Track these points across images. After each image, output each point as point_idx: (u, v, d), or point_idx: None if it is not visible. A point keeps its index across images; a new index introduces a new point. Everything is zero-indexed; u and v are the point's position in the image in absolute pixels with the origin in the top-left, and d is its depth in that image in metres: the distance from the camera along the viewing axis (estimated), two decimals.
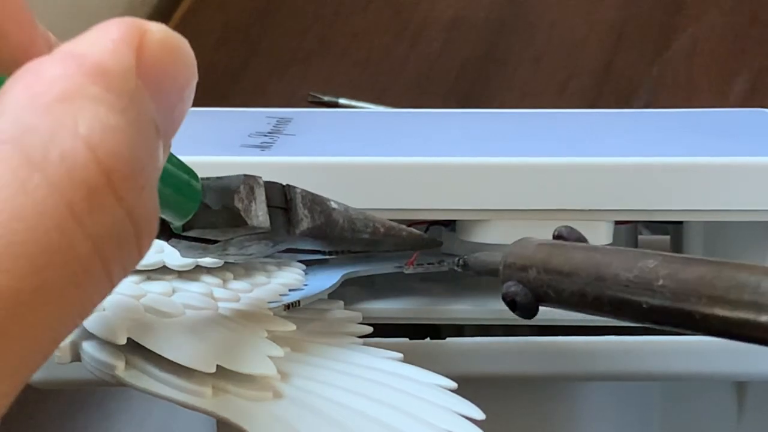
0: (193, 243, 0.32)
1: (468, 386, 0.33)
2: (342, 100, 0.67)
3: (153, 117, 0.21)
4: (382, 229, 0.35)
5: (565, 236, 0.32)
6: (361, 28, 0.75)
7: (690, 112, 0.48)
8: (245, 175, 0.32)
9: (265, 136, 0.43)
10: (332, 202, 0.34)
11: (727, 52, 0.71)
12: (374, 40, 0.74)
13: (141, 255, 0.21)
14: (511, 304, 0.31)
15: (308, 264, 0.41)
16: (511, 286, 0.31)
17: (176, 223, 0.31)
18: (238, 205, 0.31)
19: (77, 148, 0.19)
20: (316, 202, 0.34)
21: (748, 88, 0.68)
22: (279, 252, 0.35)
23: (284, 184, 0.33)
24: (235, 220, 0.31)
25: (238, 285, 0.37)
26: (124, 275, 0.21)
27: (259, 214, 0.31)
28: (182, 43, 0.22)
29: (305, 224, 0.33)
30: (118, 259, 0.20)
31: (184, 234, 0.31)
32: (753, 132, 0.44)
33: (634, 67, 0.70)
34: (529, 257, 0.31)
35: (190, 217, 0.30)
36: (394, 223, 0.36)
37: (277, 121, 0.46)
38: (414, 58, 0.73)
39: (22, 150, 0.19)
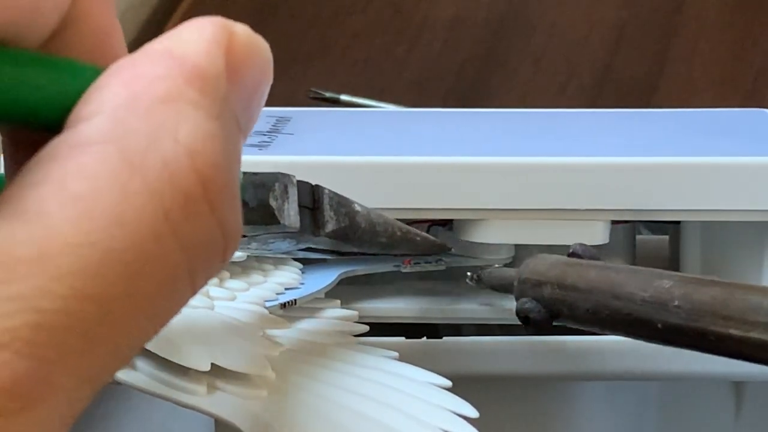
0: None
1: (466, 385, 0.33)
2: (343, 97, 0.67)
3: (238, 120, 0.20)
4: (399, 233, 0.35)
5: (580, 254, 0.33)
6: (361, 28, 0.75)
7: (690, 112, 0.48)
8: (280, 173, 0.32)
9: (264, 135, 0.43)
10: (356, 205, 0.34)
11: (727, 52, 0.71)
12: (374, 40, 0.74)
13: (224, 265, 0.20)
14: (525, 320, 0.32)
15: (305, 263, 0.41)
16: (526, 303, 0.32)
17: None
18: (273, 203, 0.31)
19: (178, 154, 0.19)
20: (341, 203, 0.34)
21: (748, 88, 0.68)
22: (299, 250, 0.35)
23: (313, 183, 0.33)
24: (268, 218, 0.31)
25: (234, 284, 0.37)
26: (205, 284, 0.20)
27: (291, 214, 0.31)
28: (263, 45, 0.22)
29: (331, 225, 0.33)
30: (203, 269, 0.20)
31: None
32: (753, 132, 0.44)
33: (634, 67, 0.70)
34: (544, 274, 0.31)
35: None
36: (411, 228, 0.36)
37: (276, 120, 0.46)
38: (414, 58, 0.73)
39: (123, 153, 0.18)
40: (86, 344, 0.18)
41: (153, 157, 0.18)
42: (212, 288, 0.36)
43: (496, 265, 0.43)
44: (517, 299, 0.32)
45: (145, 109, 0.19)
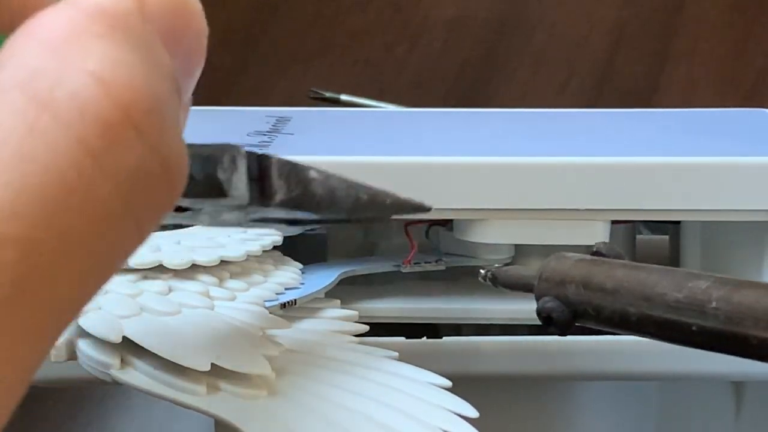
0: None
1: (466, 385, 0.33)
2: (343, 97, 0.67)
3: (167, 63, 0.20)
4: (365, 197, 0.34)
5: (604, 253, 0.31)
6: (361, 28, 0.75)
7: (690, 112, 0.48)
8: (228, 144, 0.31)
9: (264, 135, 0.43)
10: (312, 171, 0.33)
11: (727, 52, 0.71)
12: (374, 40, 0.74)
13: (172, 202, 0.19)
14: (547, 320, 0.30)
15: (305, 263, 0.41)
16: (548, 302, 0.30)
17: None
18: (221, 175, 0.30)
19: (88, 84, 0.18)
20: (294, 171, 0.33)
21: (748, 88, 0.68)
22: (253, 221, 0.34)
23: (262, 153, 0.32)
24: (216, 191, 0.30)
25: (234, 284, 0.37)
26: (155, 225, 0.19)
27: (240, 186, 0.31)
28: None
29: (280, 195, 0.32)
30: (144, 204, 0.19)
31: None
32: (753, 132, 0.44)
33: (634, 67, 0.70)
34: (567, 272, 0.30)
35: None
36: (381, 190, 0.35)
37: (276, 120, 0.46)
38: (414, 58, 0.73)
39: (29, 93, 0.18)
40: (16, 296, 0.17)
41: (61, 91, 0.18)
42: (212, 288, 0.36)
43: (496, 266, 0.43)
44: (537, 299, 0.31)
45: (50, 50, 0.18)
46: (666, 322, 0.27)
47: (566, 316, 0.30)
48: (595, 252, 0.32)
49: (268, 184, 0.32)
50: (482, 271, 0.35)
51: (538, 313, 0.31)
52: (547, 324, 0.31)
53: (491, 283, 0.34)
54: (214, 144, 0.30)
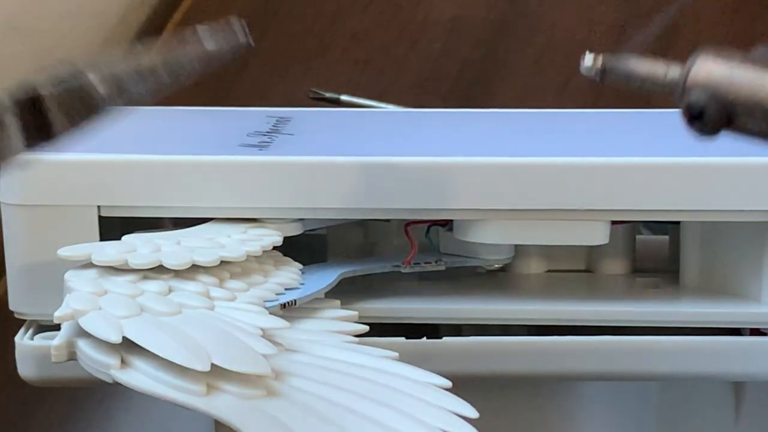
0: None
1: (466, 385, 0.33)
2: (343, 97, 0.67)
3: None
4: (166, 77, 0.31)
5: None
6: (361, 28, 0.75)
7: None
8: None
9: (264, 135, 0.43)
10: (91, 75, 0.30)
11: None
12: (374, 40, 0.74)
13: None
14: (698, 115, 0.27)
15: (305, 263, 0.41)
16: (701, 94, 0.27)
17: None
18: None
19: None
20: (73, 96, 0.30)
21: None
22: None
23: (33, 95, 0.29)
24: None
25: (234, 284, 0.37)
26: None
27: (18, 146, 0.29)
28: None
29: (60, 128, 0.30)
30: None
31: None
32: None
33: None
34: (728, 75, 0.27)
35: None
36: (179, 55, 0.32)
37: (276, 120, 0.46)
38: (414, 58, 0.73)
39: None
40: None
41: None
42: (212, 288, 0.36)
43: (496, 266, 0.43)
44: (683, 92, 0.27)
45: None
46: None
47: (720, 116, 0.27)
48: (763, 56, 0.28)
49: (49, 125, 0.29)
50: (589, 55, 0.30)
51: (687, 107, 0.27)
52: (696, 118, 0.27)
53: (599, 77, 0.30)
54: None
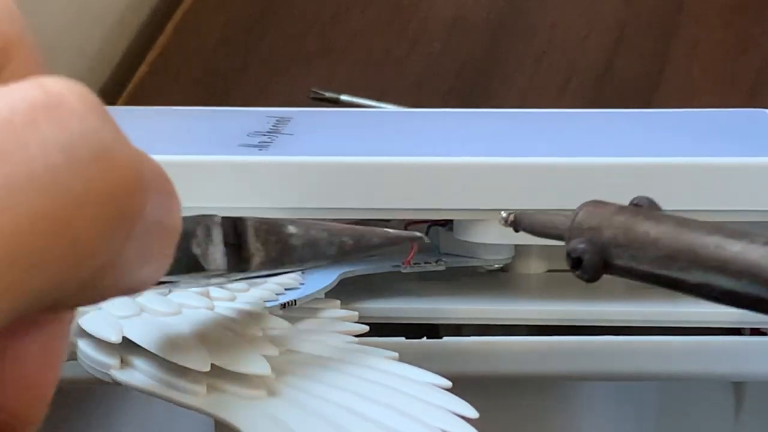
0: None
1: (466, 385, 0.33)
2: (343, 97, 0.67)
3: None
4: (350, 242, 0.34)
5: (645, 207, 0.30)
6: (361, 28, 0.75)
7: (690, 112, 0.48)
8: (201, 216, 0.31)
9: (264, 135, 0.43)
10: (290, 227, 0.33)
11: (727, 52, 0.71)
12: (374, 40, 0.74)
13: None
14: (576, 262, 0.29)
15: None
16: (580, 243, 0.29)
17: None
18: (196, 250, 0.30)
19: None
20: (270, 231, 0.33)
21: (748, 88, 0.68)
22: (235, 280, 0.35)
23: (236, 217, 0.32)
24: (193, 267, 0.30)
25: (234, 284, 0.37)
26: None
27: (217, 257, 0.31)
28: None
29: (258, 259, 0.32)
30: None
31: None
32: (753, 132, 0.44)
33: (634, 67, 0.70)
34: (606, 218, 0.29)
35: None
36: (366, 231, 0.35)
37: (276, 120, 0.46)
38: (414, 58, 0.73)
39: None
40: None
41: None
42: (212, 288, 0.36)
43: (496, 266, 0.43)
44: (567, 241, 0.29)
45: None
46: (713, 277, 0.26)
47: (597, 260, 0.29)
48: (635, 204, 0.30)
49: (246, 249, 0.31)
50: (503, 214, 0.33)
51: (568, 254, 0.29)
52: (575, 267, 0.29)
53: (512, 228, 0.33)
54: (187, 217, 0.30)
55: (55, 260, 0.19)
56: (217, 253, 0.30)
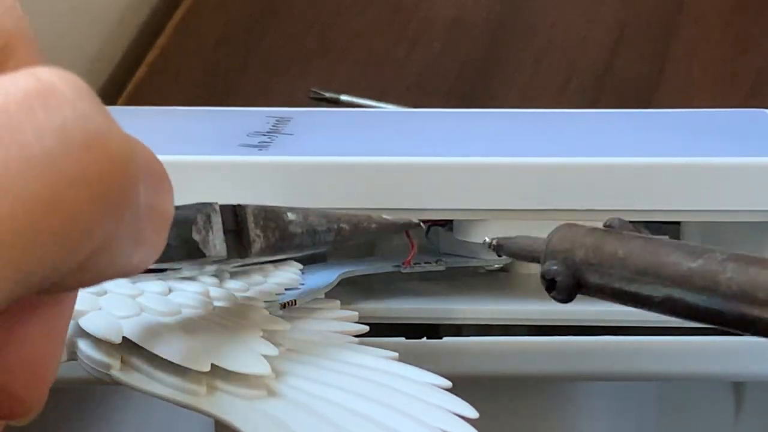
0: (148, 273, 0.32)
1: (466, 385, 0.33)
2: (343, 97, 0.67)
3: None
4: (347, 228, 0.34)
5: (616, 227, 0.31)
6: (361, 28, 0.75)
7: (690, 112, 0.48)
8: (201, 204, 0.31)
9: (264, 135, 0.43)
10: (289, 213, 0.33)
11: (727, 52, 0.71)
12: (374, 40, 0.74)
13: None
14: (551, 283, 0.30)
15: (305, 263, 0.41)
16: (554, 265, 0.30)
17: None
18: (196, 237, 0.30)
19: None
20: (269, 218, 0.33)
21: (748, 88, 0.68)
22: (235, 267, 0.35)
23: (235, 204, 0.33)
24: (193, 253, 0.31)
25: (234, 284, 0.37)
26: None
27: (217, 244, 0.31)
28: None
29: (258, 245, 0.32)
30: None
31: None
32: (753, 132, 0.44)
33: (634, 67, 0.70)
34: (578, 239, 0.30)
35: None
36: (364, 216, 0.35)
37: (276, 120, 0.46)
38: (414, 58, 0.73)
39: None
40: None
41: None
42: (212, 288, 0.36)
43: (496, 266, 0.43)
44: (542, 263, 0.31)
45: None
46: (676, 292, 0.27)
47: (570, 281, 0.30)
48: (607, 225, 0.31)
49: (245, 235, 0.32)
50: (487, 239, 0.34)
51: (542, 276, 0.30)
52: (550, 288, 0.30)
53: (495, 252, 0.34)
54: (186, 205, 0.30)
55: (51, 242, 0.19)
56: (216, 240, 0.31)
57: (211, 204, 0.31)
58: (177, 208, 0.30)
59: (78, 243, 0.20)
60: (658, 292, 0.28)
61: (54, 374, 0.23)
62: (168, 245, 0.29)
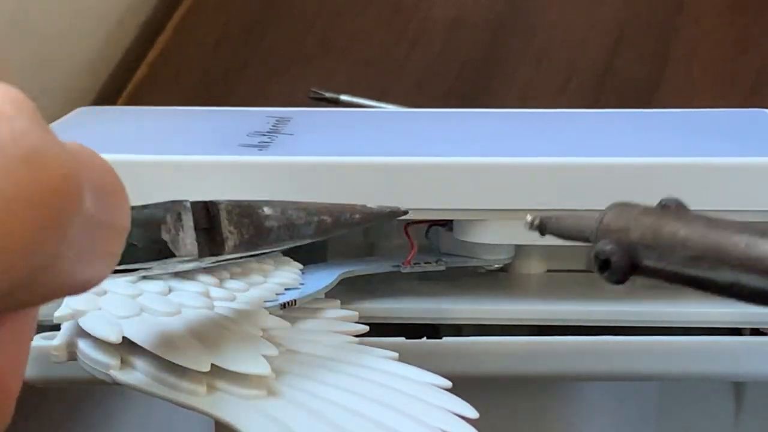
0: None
1: (466, 385, 0.33)
2: (343, 97, 0.67)
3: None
4: (329, 220, 0.34)
5: (673, 207, 0.30)
6: (361, 28, 0.75)
7: (690, 112, 0.48)
8: (171, 202, 0.31)
9: (264, 135, 0.43)
10: (265, 208, 0.32)
11: (727, 52, 0.71)
12: (374, 40, 0.74)
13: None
14: (604, 263, 0.29)
15: (305, 263, 0.41)
16: (608, 244, 0.29)
17: None
18: (166, 237, 0.30)
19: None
20: (244, 213, 0.32)
21: (748, 88, 0.68)
22: (210, 264, 0.34)
23: (208, 201, 0.32)
24: (162, 253, 0.30)
25: (234, 284, 0.37)
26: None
27: (187, 242, 0.30)
28: None
29: (231, 242, 0.32)
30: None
31: None
32: (753, 132, 0.44)
33: (634, 67, 0.70)
34: (634, 219, 0.29)
35: None
36: (346, 207, 0.34)
37: (276, 120, 0.46)
38: (414, 58, 0.73)
39: None
40: None
41: None
42: (212, 288, 0.36)
43: (496, 266, 0.43)
44: (594, 242, 0.29)
45: None
46: (743, 275, 0.26)
47: (625, 262, 0.29)
48: (663, 205, 0.30)
49: (219, 233, 0.31)
50: (529, 217, 0.32)
51: (595, 256, 0.29)
52: (603, 268, 0.29)
53: (539, 231, 0.32)
54: (156, 204, 0.30)
55: None
56: (187, 239, 0.30)
57: (181, 202, 0.31)
58: (146, 207, 0.30)
59: (16, 264, 0.19)
60: (722, 275, 0.27)
61: (18, 387, 0.22)
62: (136, 246, 0.29)
